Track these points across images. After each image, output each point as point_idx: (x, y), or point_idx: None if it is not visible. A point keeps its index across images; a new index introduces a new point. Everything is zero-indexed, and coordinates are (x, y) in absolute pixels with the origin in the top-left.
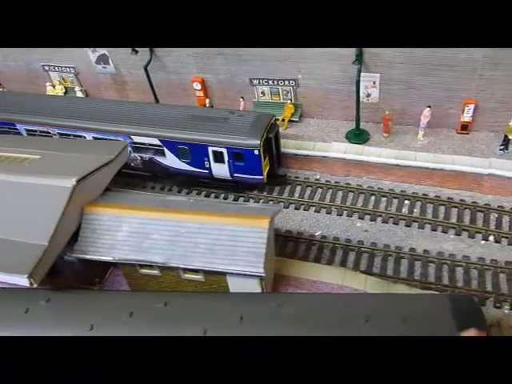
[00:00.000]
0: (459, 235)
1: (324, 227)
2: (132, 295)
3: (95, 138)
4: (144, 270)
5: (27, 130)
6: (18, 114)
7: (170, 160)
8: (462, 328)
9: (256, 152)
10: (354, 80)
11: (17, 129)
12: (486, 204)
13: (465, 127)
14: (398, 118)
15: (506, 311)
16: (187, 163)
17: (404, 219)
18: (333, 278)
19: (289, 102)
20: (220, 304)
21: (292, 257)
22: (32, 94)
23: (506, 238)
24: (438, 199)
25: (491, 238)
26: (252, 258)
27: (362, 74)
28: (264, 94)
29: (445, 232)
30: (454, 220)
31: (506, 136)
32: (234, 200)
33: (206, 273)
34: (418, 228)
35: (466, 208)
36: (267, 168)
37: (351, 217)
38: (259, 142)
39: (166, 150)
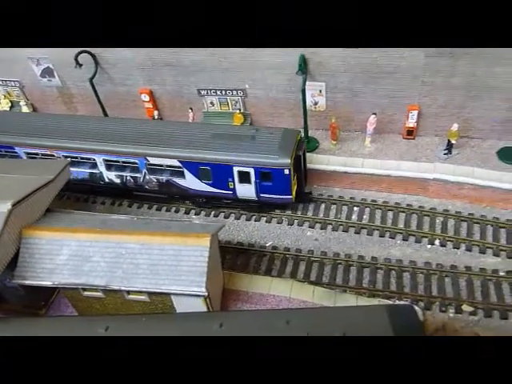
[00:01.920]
0: (406, 240)
1: (275, 237)
2: (73, 321)
3: (107, 161)
4: (87, 293)
5: (28, 154)
6: (16, 136)
7: (190, 181)
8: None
9: (286, 171)
10: (300, 89)
11: (16, 152)
12: (431, 208)
13: (410, 132)
14: (346, 125)
15: (451, 315)
16: (209, 184)
17: (353, 226)
18: (281, 290)
19: (238, 111)
20: (160, 326)
21: (243, 269)
22: (32, 113)
23: (451, 241)
24: (386, 205)
25: (437, 241)
26: (194, 278)
27: (307, 82)
28: (213, 105)
29: (392, 238)
30: (401, 225)
31: (449, 140)
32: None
33: (151, 293)
34: (367, 235)
35: (412, 213)
36: (295, 187)
37: (302, 226)
38: (289, 160)
39: (185, 172)
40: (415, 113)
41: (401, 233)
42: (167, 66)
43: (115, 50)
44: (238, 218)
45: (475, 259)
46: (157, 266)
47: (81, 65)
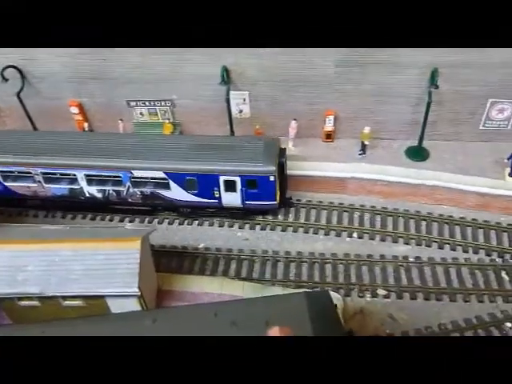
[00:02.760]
0: (328, 235)
1: (207, 239)
2: (8, 328)
3: (88, 176)
4: (23, 302)
5: (3, 173)
6: None
7: (176, 192)
8: (312, 322)
9: (271, 178)
10: (225, 98)
11: None
12: (350, 204)
13: (329, 136)
14: (270, 131)
15: (368, 299)
16: (194, 194)
17: (280, 225)
18: (213, 287)
19: (167, 121)
20: (95, 327)
21: (177, 271)
22: (2, 131)
23: (367, 233)
24: (309, 203)
25: (355, 234)
26: (127, 279)
27: (232, 92)
28: (143, 115)
29: (316, 233)
30: (323, 222)
31: (362, 142)
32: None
33: (86, 298)
34: (293, 232)
35: (333, 209)
36: (279, 193)
37: (232, 227)
38: (274, 167)
39: (171, 183)
40: (332, 118)
41: (323, 228)
42: (95, 78)
43: (42, 64)
44: (171, 223)
45: (388, 248)
46: (91, 270)
47: (6, 79)
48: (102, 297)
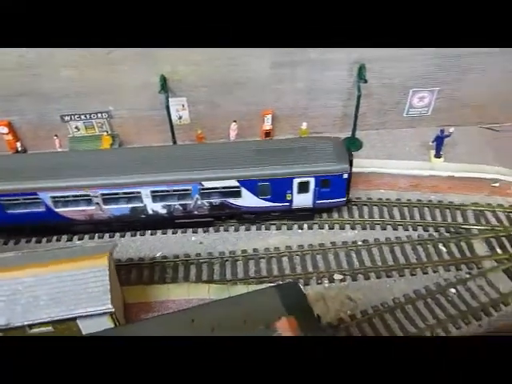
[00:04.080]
0: (280, 229)
1: (163, 248)
2: None
3: (154, 192)
4: None
5: (54, 198)
6: (39, 181)
7: (247, 199)
8: (289, 313)
9: (345, 176)
10: (164, 106)
11: (39, 198)
12: None
13: (268, 134)
14: (211, 134)
15: (326, 285)
16: (266, 200)
17: (233, 225)
18: (179, 293)
19: (105, 133)
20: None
21: (138, 282)
22: (49, 153)
23: (317, 223)
24: None
25: (305, 225)
26: (99, 297)
27: (170, 99)
28: (78, 129)
29: (268, 229)
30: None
31: (301, 137)
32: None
33: (55, 322)
34: (245, 230)
35: None
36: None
37: (185, 233)
38: (348, 165)
39: (243, 190)
40: (269, 116)
41: (274, 224)
42: (25, 95)
43: None
44: (123, 236)
45: (338, 235)
46: (59, 294)
47: None
48: (74, 319)
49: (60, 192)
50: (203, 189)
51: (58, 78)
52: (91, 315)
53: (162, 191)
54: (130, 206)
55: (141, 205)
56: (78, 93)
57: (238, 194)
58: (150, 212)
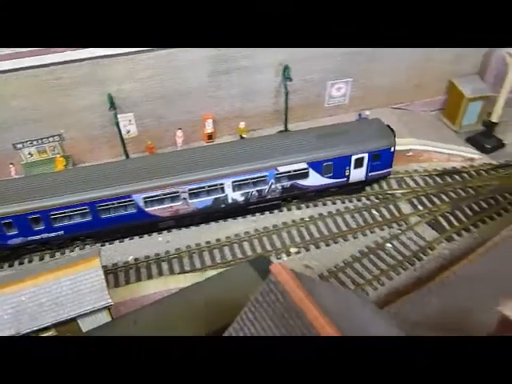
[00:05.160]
0: (235, 219)
1: (133, 252)
2: None
3: (235, 182)
4: None
5: (146, 199)
6: (132, 184)
7: (313, 179)
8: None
9: (392, 149)
10: (113, 122)
11: (132, 200)
12: None
13: (210, 137)
14: (160, 143)
15: (285, 258)
16: (329, 177)
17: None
18: (158, 286)
19: (58, 155)
20: None
21: (114, 286)
22: (131, 159)
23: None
24: None
25: (257, 214)
26: (97, 294)
27: (118, 115)
28: (32, 155)
29: (225, 221)
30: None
31: (241, 136)
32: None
33: (58, 325)
34: (206, 224)
35: None
36: None
37: (151, 235)
38: (394, 140)
39: (310, 171)
40: (210, 121)
41: (231, 217)
42: None
43: None
44: (92, 246)
45: (287, 216)
46: (60, 298)
47: None
48: (75, 319)
49: (152, 192)
50: (278, 173)
51: (8, 108)
52: (91, 312)
53: (242, 180)
54: (213, 197)
55: (222, 195)
56: (30, 120)
57: (305, 175)
58: (230, 201)
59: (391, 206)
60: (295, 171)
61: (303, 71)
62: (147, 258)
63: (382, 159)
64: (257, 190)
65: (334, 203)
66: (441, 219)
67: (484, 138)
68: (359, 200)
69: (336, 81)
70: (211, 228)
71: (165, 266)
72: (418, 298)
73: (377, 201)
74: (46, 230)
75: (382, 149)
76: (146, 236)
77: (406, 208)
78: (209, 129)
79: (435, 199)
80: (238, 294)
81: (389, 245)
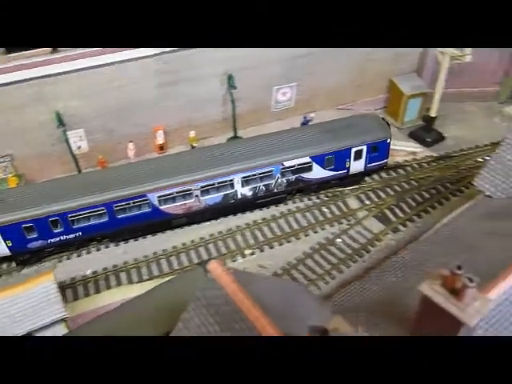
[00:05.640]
0: (190, 226)
1: (91, 265)
2: None
3: (244, 177)
4: None
5: (160, 197)
6: (146, 184)
7: (316, 172)
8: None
9: (388, 140)
10: (63, 140)
11: (147, 199)
12: None
13: (161, 148)
14: (112, 157)
15: (241, 261)
16: (330, 170)
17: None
18: (116, 297)
19: (10, 175)
20: None
21: (73, 300)
22: (143, 161)
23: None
24: None
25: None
26: (53, 308)
27: (68, 132)
28: None
29: (180, 227)
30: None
31: (191, 145)
32: None
33: None
34: (162, 233)
35: None
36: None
37: (108, 248)
38: (390, 132)
39: (313, 165)
40: (161, 132)
41: (184, 224)
42: None
43: None
44: (49, 261)
45: (241, 218)
46: (17, 314)
47: None
48: (31, 333)
49: (166, 190)
50: (284, 168)
51: None
52: (48, 325)
53: (250, 176)
54: (223, 193)
55: (232, 191)
56: None
57: (309, 169)
58: (239, 196)
59: (340, 203)
60: (299, 165)
61: (248, 79)
62: (105, 269)
63: (380, 151)
64: (264, 185)
65: (285, 204)
66: (387, 212)
67: (424, 132)
68: (310, 199)
69: (281, 86)
70: (168, 236)
71: (123, 276)
72: (359, 286)
73: (326, 198)
74: (64, 231)
75: (379, 140)
76: (103, 248)
77: (353, 204)
78: (160, 140)
79: (381, 193)
80: (188, 297)
81: (339, 240)
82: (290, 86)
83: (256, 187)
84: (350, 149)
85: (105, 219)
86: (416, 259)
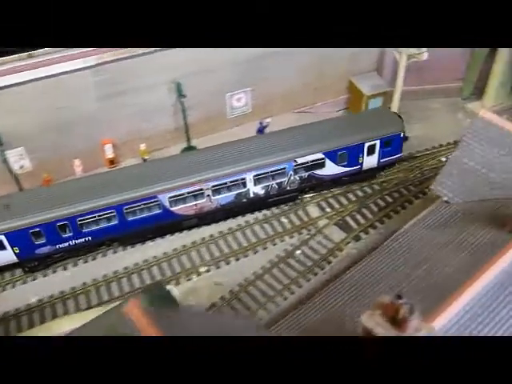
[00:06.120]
0: (140, 245)
1: (37, 292)
2: None
3: (256, 176)
4: None
5: (171, 198)
6: (157, 185)
7: (329, 168)
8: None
9: (402, 134)
10: (1, 159)
11: (158, 201)
12: None
13: (112, 162)
14: (58, 175)
15: (195, 279)
16: (343, 166)
17: (100, 252)
18: (63, 327)
19: None
20: None
21: (21, 331)
22: (152, 161)
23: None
24: None
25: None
26: None
27: (7, 152)
28: None
29: (125, 249)
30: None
31: (143, 158)
32: None
33: None
34: (113, 253)
35: None
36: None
37: (56, 272)
38: (403, 126)
39: (326, 161)
40: (109, 145)
41: (134, 243)
42: None
43: None
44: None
45: (195, 234)
46: None
47: None
48: None
49: (177, 191)
50: (296, 165)
51: None
52: None
53: (263, 173)
54: (235, 192)
55: (244, 190)
56: None
57: (322, 165)
58: (251, 195)
59: (300, 212)
60: (312, 161)
61: (199, 85)
62: (51, 296)
63: (393, 145)
64: (276, 183)
65: (243, 216)
66: (348, 219)
67: None
68: (268, 209)
69: (234, 92)
70: (120, 255)
71: (71, 303)
72: (300, 315)
73: (286, 208)
74: (73, 236)
75: (392, 134)
76: (50, 273)
77: (314, 212)
78: (109, 154)
79: (343, 199)
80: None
81: (298, 252)
82: (244, 91)
83: (268, 185)
84: (363, 144)
85: (115, 222)
86: (365, 280)
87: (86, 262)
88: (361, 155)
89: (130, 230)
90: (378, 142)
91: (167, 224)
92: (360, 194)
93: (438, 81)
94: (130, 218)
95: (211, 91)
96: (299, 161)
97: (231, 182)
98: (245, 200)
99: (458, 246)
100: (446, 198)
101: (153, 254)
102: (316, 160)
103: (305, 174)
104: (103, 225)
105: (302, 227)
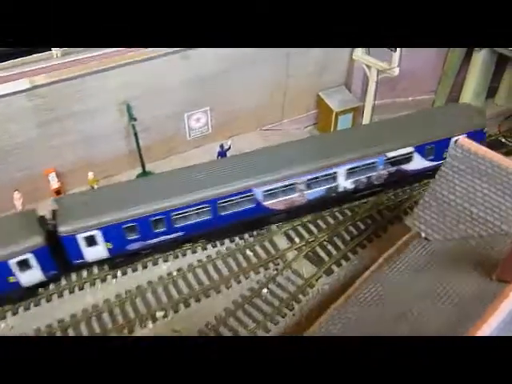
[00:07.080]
0: (85, 288)
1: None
2: None
3: (348, 170)
4: None
5: (266, 192)
6: (254, 178)
7: (416, 163)
8: None
9: (485, 130)
10: None
11: (253, 194)
12: None
13: (58, 192)
14: None
15: (151, 326)
16: (431, 160)
17: (44, 297)
18: None
19: None
20: None
21: None
22: (242, 154)
23: (130, 267)
24: None
25: (119, 272)
26: None
27: None
28: None
29: (82, 289)
30: (85, 275)
31: (92, 186)
32: None
33: None
34: (59, 298)
35: None
36: None
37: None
38: (485, 121)
39: (415, 155)
40: (53, 174)
41: (88, 281)
42: None
43: None
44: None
45: (152, 272)
46: None
47: None
48: None
49: (272, 185)
50: (387, 159)
51: None
52: None
53: (355, 168)
54: (326, 187)
55: (334, 184)
56: None
57: (410, 159)
58: (341, 189)
59: (266, 243)
60: (401, 156)
61: (152, 107)
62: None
63: (477, 140)
64: (366, 177)
65: (204, 249)
66: (319, 250)
67: None
68: (232, 241)
69: (192, 112)
70: (67, 301)
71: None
72: None
73: (251, 239)
74: (166, 231)
75: (477, 129)
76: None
77: (282, 243)
78: (54, 184)
79: (312, 227)
80: None
81: (265, 290)
82: (203, 111)
83: (358, 180)
84: (450, 139)
85: (207, 217)
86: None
87: (26, 310)
88: (446, 150)
89: (221, 224)
90: (464, 137)
91: (256, 219)
92: (331, 220)
93: (411, 93)
94: (223, 213)
95: (166, 112)
96: (389, 155)
97: (323, 176)
98: (334, 194)
99: (441, 297)
100: (424, 234)
101: (103, 296)
102: (405, 154)
103: (392, 169)
104: (196, 219)
105: (269, 261)
